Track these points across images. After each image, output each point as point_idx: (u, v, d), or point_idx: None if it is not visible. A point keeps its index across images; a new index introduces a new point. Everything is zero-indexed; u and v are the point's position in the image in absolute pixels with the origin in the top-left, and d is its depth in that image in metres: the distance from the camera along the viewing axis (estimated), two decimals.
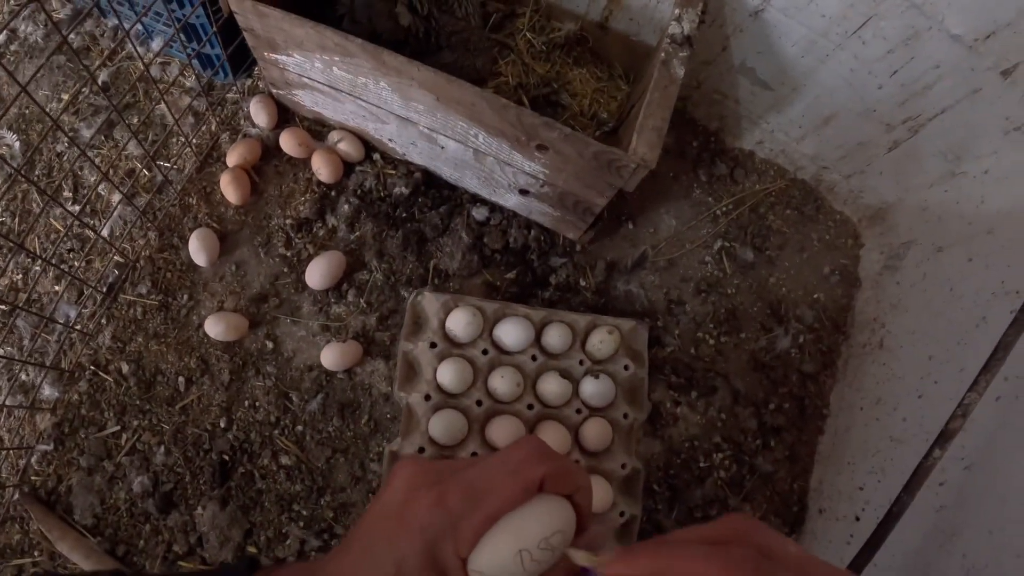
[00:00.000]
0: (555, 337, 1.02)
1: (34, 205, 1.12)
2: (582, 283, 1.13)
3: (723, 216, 1.22)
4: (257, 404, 1.03)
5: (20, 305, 0.92)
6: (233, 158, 1.10)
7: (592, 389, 1.01)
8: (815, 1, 1.00)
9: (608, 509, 0.98)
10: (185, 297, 1.06)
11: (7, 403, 0.99)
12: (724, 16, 1.08)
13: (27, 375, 1.02)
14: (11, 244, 0.94)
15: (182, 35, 1.09)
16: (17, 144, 1.15)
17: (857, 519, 0.99)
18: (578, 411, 1.01)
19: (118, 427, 1.00)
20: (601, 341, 1.03)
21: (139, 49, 1.19)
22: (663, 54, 0.95)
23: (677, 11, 0.98)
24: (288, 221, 1.10)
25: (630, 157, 0.87)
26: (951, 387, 0.85)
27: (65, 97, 1.19)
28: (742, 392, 1.12)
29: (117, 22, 1.21)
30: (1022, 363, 0.82)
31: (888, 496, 0.82)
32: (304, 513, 0.99)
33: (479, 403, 0.99)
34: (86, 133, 1.15)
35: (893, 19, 0.96)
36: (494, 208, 1.14)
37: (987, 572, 0.73)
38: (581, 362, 1.03)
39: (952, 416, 0.80)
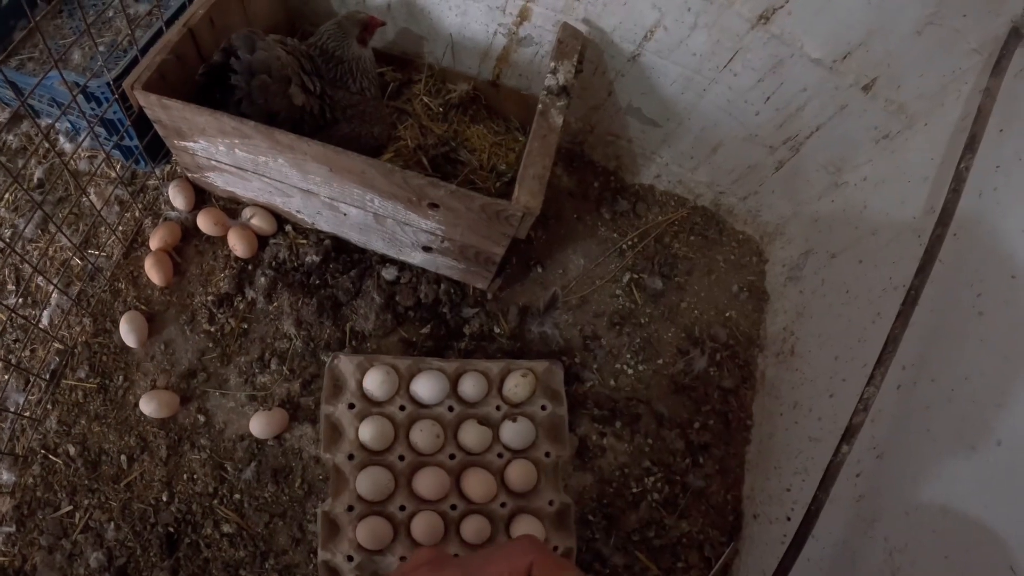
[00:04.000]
0: (470, 386, 0.96)
1: None
2: (496, 330, 1.07)
3: (629, 249, 1.17)
4: (195, 476, 0.96)
5: None
6: (155, 241, 1.05)
7: (511, 432, 0.94)
8: (684, 42, 0.97)
9: None
10: (120, 378, 1.00)
11: None
12: (605, 63, 1.04)
13: None
14: None
15: (103, 129, 1.05)
16: None
17: (788, 519, 0.94)
18: (500, 455, 0.95)
19: (71, 507, 0.94)
20: (516, 385, 0.96)
21: (68, 145, 1.16)
22: (540, 105, 0.90)
23: (552, 64, 0.94)
24: (210, 298, 1.04)
25: (514, 207, 0.82)
26: (857, 383, 0.81)
27: (6, 196, 1.14)
28: (666, 415, 1.06)
29: (48, 123, 1.18)
30: (916, 350, 0.79)
31: (811, 493, 0.78)
32: None
33: (401, 458, 0.92)
34: (25, 228, 1.10)
35: (757, 50, 0.95)
36: (403, 267, 1.08)
37: (908, 551, 0.71)
38: (498, 407, 0.97)
39: (855, 411, 0.77)
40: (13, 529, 0.93)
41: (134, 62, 0.96)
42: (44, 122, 1.19)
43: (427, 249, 0.99)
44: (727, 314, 1.14)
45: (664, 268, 1.15)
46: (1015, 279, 0.70)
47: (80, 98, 0.99)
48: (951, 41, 0.84)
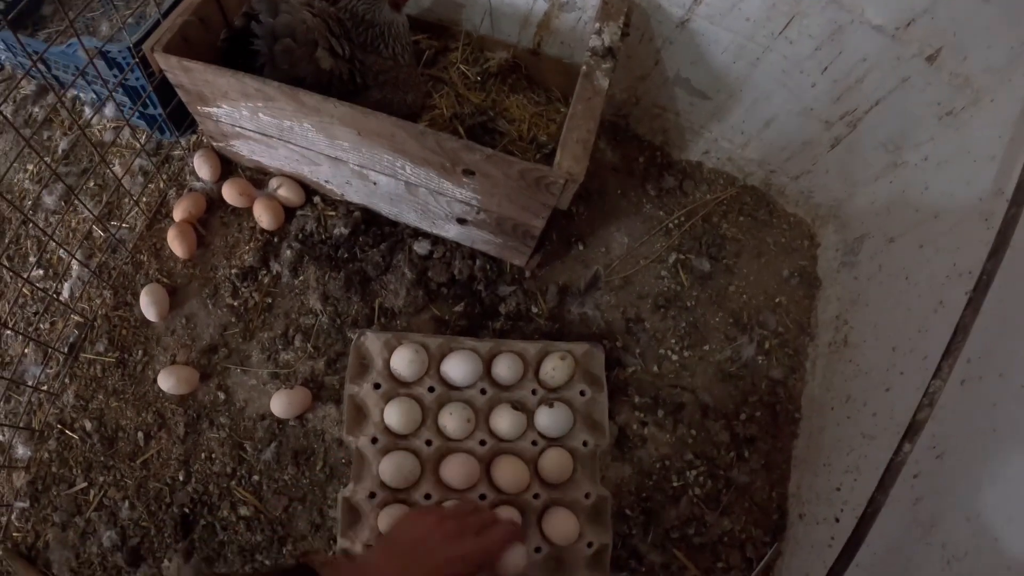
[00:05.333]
0: (505, 368, 0.88)
1: (3, 272, 1.03)
2: (534, 310, 1.00)
3: (676, 229, 1.08)
4: (213, 456, 0.91)
5: None
6: (179, 213, 1.00)
7: (547, 419, 0.87)
8: (737, 5, 0.89)
9: (575, 541, 0.83)
10: (140, 353, 0.95)
11: None
12: (651, 29, 0.96)
13: (2, 436, 0.93)
14: None
15: (127, 98, 1.00)
16: None
17: (837, 520, 0.86)
18: (534, 443, 0.87)
19: (85, 483, 0.90)
20: (554, 368, 0.89)
21: (93, 116, 1.11)
22: (584, 67, 0.83)
23: (597, 25, 0.87)
24: (234, 271, 0.98)
25: (556, 172, 0.74)
26: (916, 376, 0.75)
27: (30, 168, 1.11)
28: (711, 405, 0.97)
29: (75, 94, 1.15)
30: (983, 342, 0.71)
31: (865, 494, 0.72)
32: (267, 563, 0.87)
33: (429, 443, 0.85)
34: (48, 201, 1.06)
35: (815, 16, 0.87)
36: (436, 241, 1.01)
37: (967, 560, 0.64)
38: (534, 392, 0.89)
39: (919, 406, 0.70)
40: (27, 504, 0.90)
41: (156, 27, 0.91)
42: (70, 93, 1.15)
43: (462, 221, 0.92)
44: (777, 300, 1.05)
45: (712, 249, 1.07)
46: None
47: (102, 65, 0.95)
48: (1021, 9, 0.75)
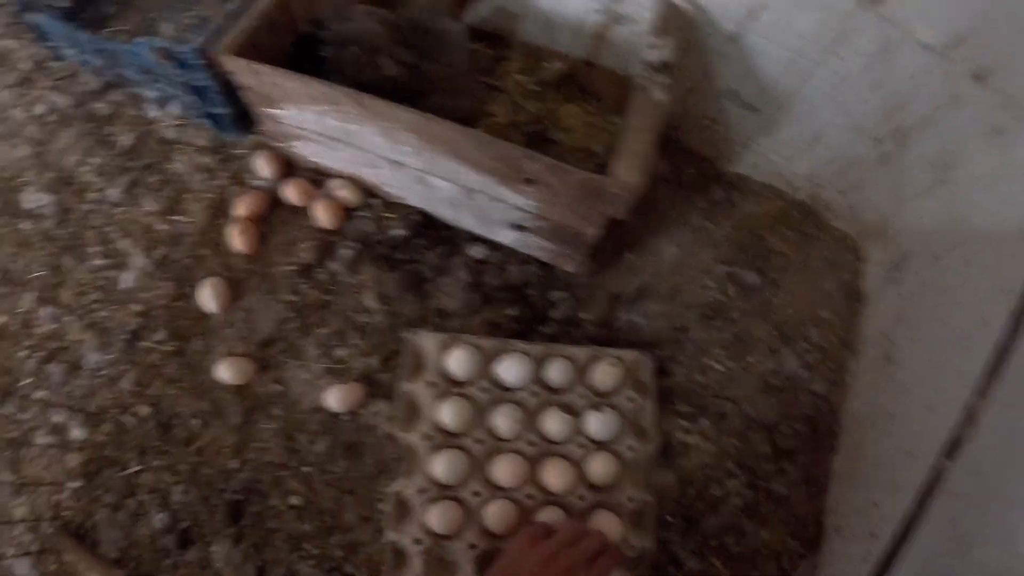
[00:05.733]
0: (556, 372, 0.91)
1: (64, 260, 1.06)
2: (584, 316, 1.02)
3: (723, 241, 1.10)
4: (266, 446, 0.93)
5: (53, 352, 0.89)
6: (240, 209, 1.03)
7: (595, 423, 0.89)
8: (789, 21, 0.91)
9: (618, 543, 0.85)
10: (198, 343, 0.99)
11: (41, 443, 0.95)
12: (702, 42, 0.98)
13: (59, 417, 0.97)
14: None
15: (192, 97, 1.04)
16: (53, 205, 1.10)
17: (873, 536, 0.85)
18: (581, 445, 0.89)
19: (139, 467, 0.93)
20: (604, 373, 0.91)
21: (157, 113, 1.15)
22: (641, 81, 0.85)
23: (653, 39, 0.89)
24: (292, 268, 1.01)
25: (614, 183, 0.76)
26: (958, 394, 0.74)
27: (94, 161, 1.15)
28: (753, 416, 0.98)
29: (139, 90, 1.19)
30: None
31: (903, 511, 0.73)
32: (314, 552, 0.89)
33: (480, 441, 0.87)
34: (111, 193, 1.10)
35: (866, 33, 0.88)
36: (492, 246, 1.03)
37: None
38: (583, 396, 0.91)
39: (959, 424, 0.71)
40: (80, 485, 0.92)
41: (223, 29, 0.95)
42: (135, 91, 1.19)
43: (519, 228, 0.94)
44: (821, 314, 1.06)
45: (759, 262, 1.08)
46: None
47: (170, 65, 0.99)
48: None
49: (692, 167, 1.16)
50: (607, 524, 0.84)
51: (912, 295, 1.00)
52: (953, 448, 0.70)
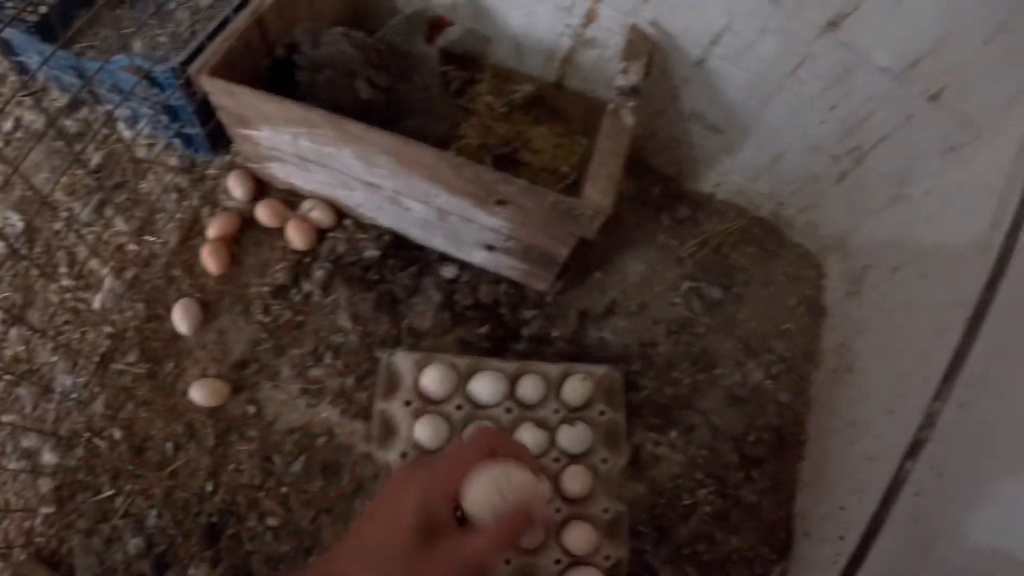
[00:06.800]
0: (529, 388, 0.93)
1: (33, 281, 1.06)
2: (554, 333, 1.05)
3: (688, 258, 1.14)
4: (242, 467, 0.94)
5: (22, 375, 0.87)
6: (213, 230, 1.04)
7: (569, 437, 0.92)
8: (752, 47, 0.95)
9: (593, 553, 0.87)
10: (171, 365, 0.99)
11: (12, 468, 0.94)
12: (670, 67, 1.03)
13: (29, 441, 0.96)
14: (12, 318, 0.97)
15: (165, 116, 1.05)
16: (20, 224, 1.10)
17: (841, 538, 0.90)
18: (556, 459, 0.92)
19: (113, 491, 0.93)
20: (575, 389, 0.94)
21: (127, 132, 1.16)
22: (611, 105, 0.89)
23: (623, 64, 0.93)
24: (265, 289, 1.02)
25: (585, 204, 0.80)
26: (918, 400, 0.78)
27: (63, 180, 1.14)
28: (720, 427, 1.02)
29: (109, 107, 1.19)
30: (981, 367, 0.76)
31: (869, 513, 0.76)
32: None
33: None
34: (81, 213, 1.10)
35: (825, 58, 0.93)
36: (463, 266, 1.06)
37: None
38: (556, 411, 0.94)
39: (920, 427, 0.75)
40: (52, 510, 0.92)
41: (199, 50, 0.96)
42: (103, 108, 1.19)
43: (490, 248, 0.97)
44: (784, 327, 1.11)
45: (723, 278, 1.12)
46: None
47: (143, 84, 1.00)
48: (1022, 50, 0.81)
49: (658, 186, 1.20)
50: (583, 534, 0.87)
51: (871, 307, 1.05)
52: (914, 451, 0.74)
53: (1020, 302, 0.76)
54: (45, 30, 1.11)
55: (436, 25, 1.03)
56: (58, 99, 1.21)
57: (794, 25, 0.90)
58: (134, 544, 0.89)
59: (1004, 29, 0.80)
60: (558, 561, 0.87)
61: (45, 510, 0.92)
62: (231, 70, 0.91)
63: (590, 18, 1.03)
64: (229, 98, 0.92)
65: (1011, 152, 0.85)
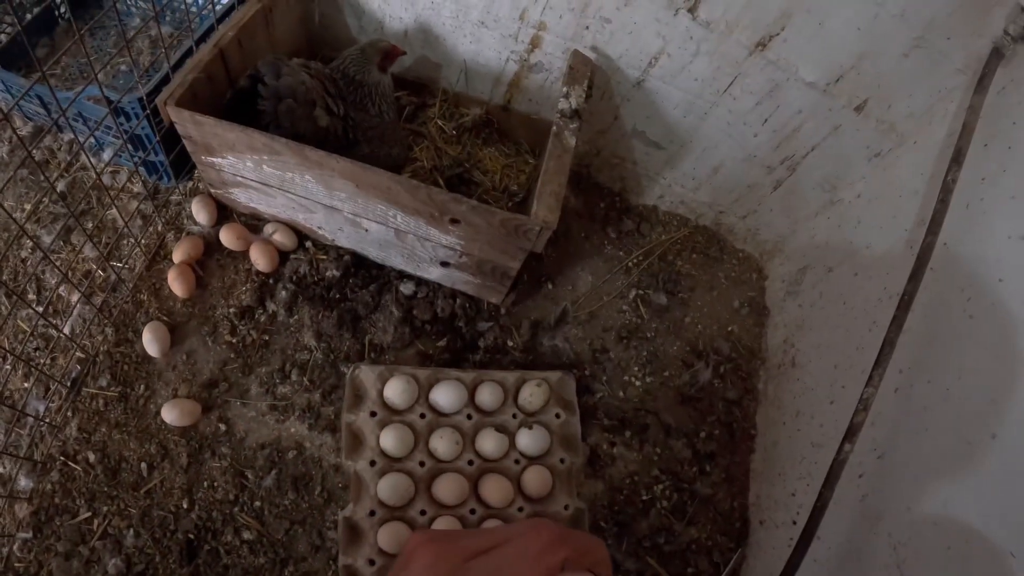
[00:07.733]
0: (487, 395, 0.99)
1: (1, 308, 1.08)
2: (510, 343, 1.11)
3: (635, 267, 1.21)
4: (216, 484, 0.97)
5: None
6: (178, 255, 1.08)
7: (527, 440, 0.98)
8: (686, 68, 1.03)
9: None
10: (142, 387, 1.02)
11: None
12: (611, 88, 1.10)
13: (3, 467, 0.98)
14: None
15: (130, 145, 1.08)
16: None
17: (794, 523, 0.97)
18: (516, 461, 0.98)
19: (89, 513, 0.95)
20: (531, 394, 1.00)
21: (92, 160, 1.19)
22: (555, 127, 0.95)
23: (565, 89, 1.00)
24: (232, 310, 1.07)
25: (533, 221, 0.86)
26: (856, 389, 0.85)
27: (28, 207, 1.17)
28: (673, 426, 1.09)
29: (73, 136, 1.21)
30: (912, 354, 0.83)
31: (816, 496, 0.82)
32: None
33: (422, 464, 0.95)
34: (47, 239, 1.13)
35: (755, 76, 1.00)
36: (420, 282, 1.12)
37: (911, 544, 0.74)
38: (515, 415, 1.01)
39: (855, 411, 0.81)
40: (30, 535, 0.93)
41: (164, 80, 1.00)
42: (68, 136, 1.22)
43: (445, 264, 1.03)
44: (729, 328, 1.19)
45: (668, 285, 1.20)
46: (1002, 282, 0.75)
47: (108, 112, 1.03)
48: (937, 62, 0.90)
49: (603, 201, 1.28)
50: None
51: (811, 305, 1.13)
52: (851, 433, 0.80)
53: (942, 292, 0.83)
54: (6, 59, 1.14)
55: (389, 55, 1.09)
56: (20, 128, 1.23)
57: (725, 47, 0.98)
58: (113, 564, 0.91)
59: (920, 44, 0.88)
60: None
61: (23, 535, 0.93)
62: (195, 100, 0.96)
63: (534, 44, 1.10)
64: (195, 127, 0.96)
65: (931, 156, 0.94)
